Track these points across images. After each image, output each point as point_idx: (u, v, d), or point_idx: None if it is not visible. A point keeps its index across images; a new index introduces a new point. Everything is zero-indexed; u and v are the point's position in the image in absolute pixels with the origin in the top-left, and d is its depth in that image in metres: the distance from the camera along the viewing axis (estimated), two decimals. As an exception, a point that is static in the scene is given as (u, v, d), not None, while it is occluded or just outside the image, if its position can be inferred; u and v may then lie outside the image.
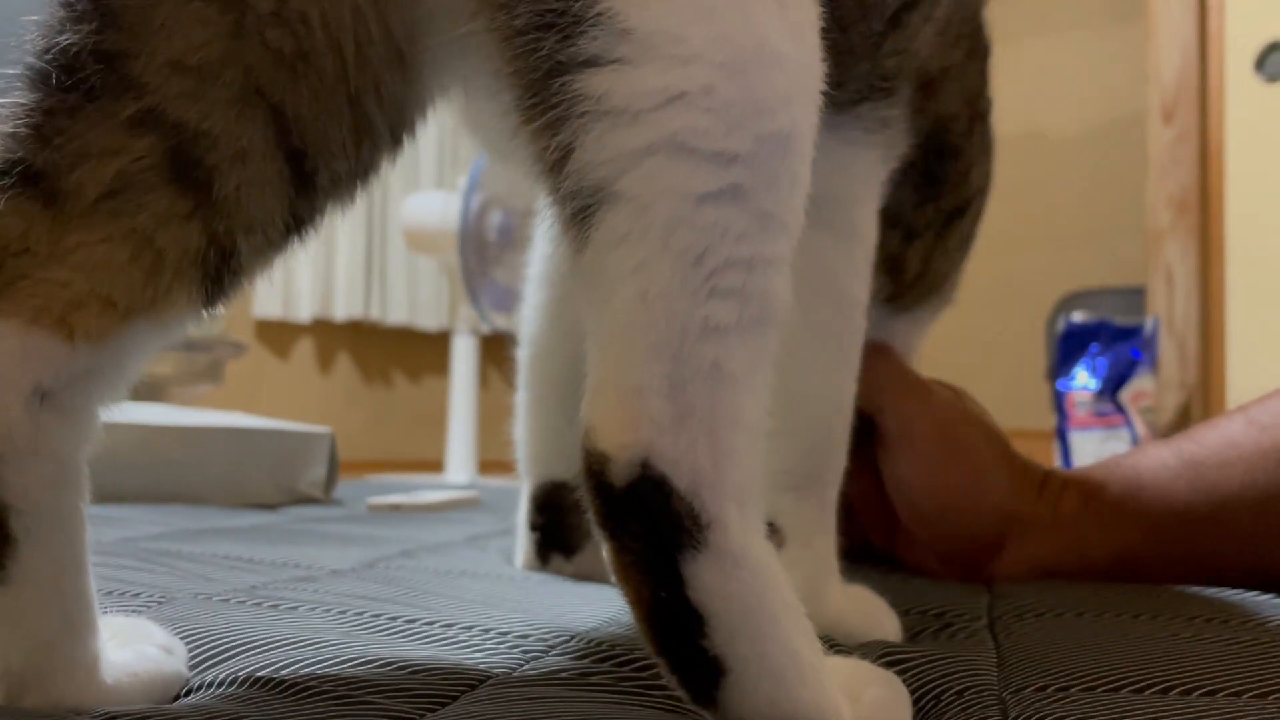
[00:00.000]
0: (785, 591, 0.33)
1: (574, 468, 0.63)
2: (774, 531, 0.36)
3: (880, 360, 0.68)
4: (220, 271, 0.35)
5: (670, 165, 0.32)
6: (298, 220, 0.37)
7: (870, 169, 0.53)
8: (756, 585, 0.32)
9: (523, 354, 0.66)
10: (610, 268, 0.32)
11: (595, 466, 0.32)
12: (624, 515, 0.32)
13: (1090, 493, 0.67)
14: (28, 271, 0.32)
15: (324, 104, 0.35)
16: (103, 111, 0.33)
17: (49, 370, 0.32)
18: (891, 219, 0.59)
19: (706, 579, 0.31)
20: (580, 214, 0.33)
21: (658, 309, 0.32)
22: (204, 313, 0.36)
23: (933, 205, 0.62)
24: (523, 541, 0.66)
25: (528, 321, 0.65)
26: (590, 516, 0.33)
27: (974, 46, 0.62)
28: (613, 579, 0.33)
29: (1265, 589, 0.59)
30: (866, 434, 0.69)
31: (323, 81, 0.35)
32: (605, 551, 0.33)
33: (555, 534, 0.64)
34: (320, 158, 0.36)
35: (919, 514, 0.68)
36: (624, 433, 0.31)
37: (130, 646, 0.37)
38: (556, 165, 0.33)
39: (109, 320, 0.33)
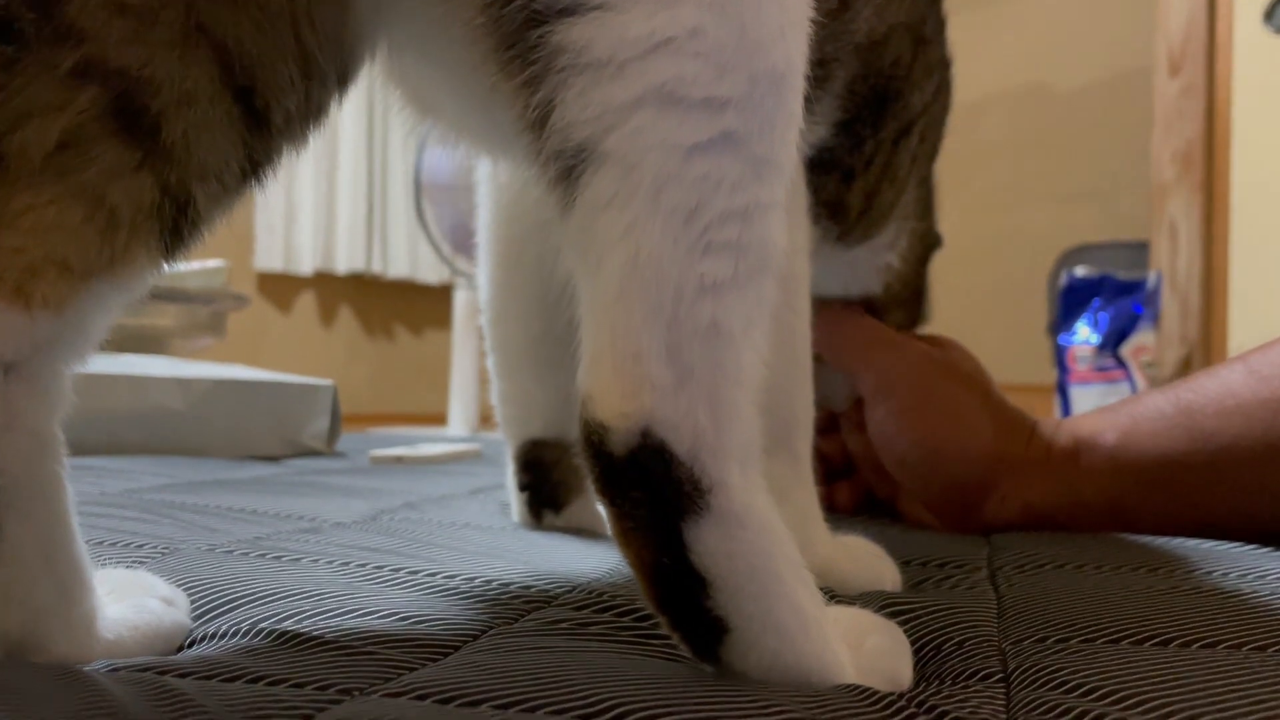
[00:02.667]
0: (788, 546, 0.33)
1: (550, 426, 0.64)
2: None
3: (851, 322, 0.68)
4: (178, 223, 0.33)
5: (658, 118, 0.31)
6: (254, 163, 0.35)
7: None
8: (760, 545, 0.32)
9: (484, 319, 0.66)
10: (599, 232, 0.31)
11: (594, 436, 0.31)
12: (624, 483, 0.31)
13: (1085, 438, 0.67)
14: None
15: (268, 36, 0.34)
16: (42, 64, 0.31)
17: (10, 342, 0.31)
18: (826, 165, 0.58)
19: (709, 543, 0.31)
20: (565, 175, 0.31)
21: (651, 272, 0.31)
22: (165, 267, 0.34)
23: (872, 141, 0.61)
24: (515, 500, 0.67)
25: (483, 287, 0.65)
26: (590, 482, 0.32)
27: None
28: (609, 534, 0.33)
29: (1264, 541, 0.60)
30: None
31: (264, 11, 0.33)
32: (606, 516, 0.33)
33: (542, 491, 0.65)
34: (271, 93, 0.34)
35: (905, 464, 0.68)
36: (623, 402, 0.31)
37: (130, 600, 0.37)
38: (537, 124, 0.31)
39: (66, 285, 0.32)
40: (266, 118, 0.34)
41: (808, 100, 0.34)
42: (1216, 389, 0.63)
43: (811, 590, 0.33)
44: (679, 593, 0.32)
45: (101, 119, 0.32)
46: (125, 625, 0.36)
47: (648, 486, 0.31)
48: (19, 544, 0.32)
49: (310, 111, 0.36)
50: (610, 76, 0.30)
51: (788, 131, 0.33)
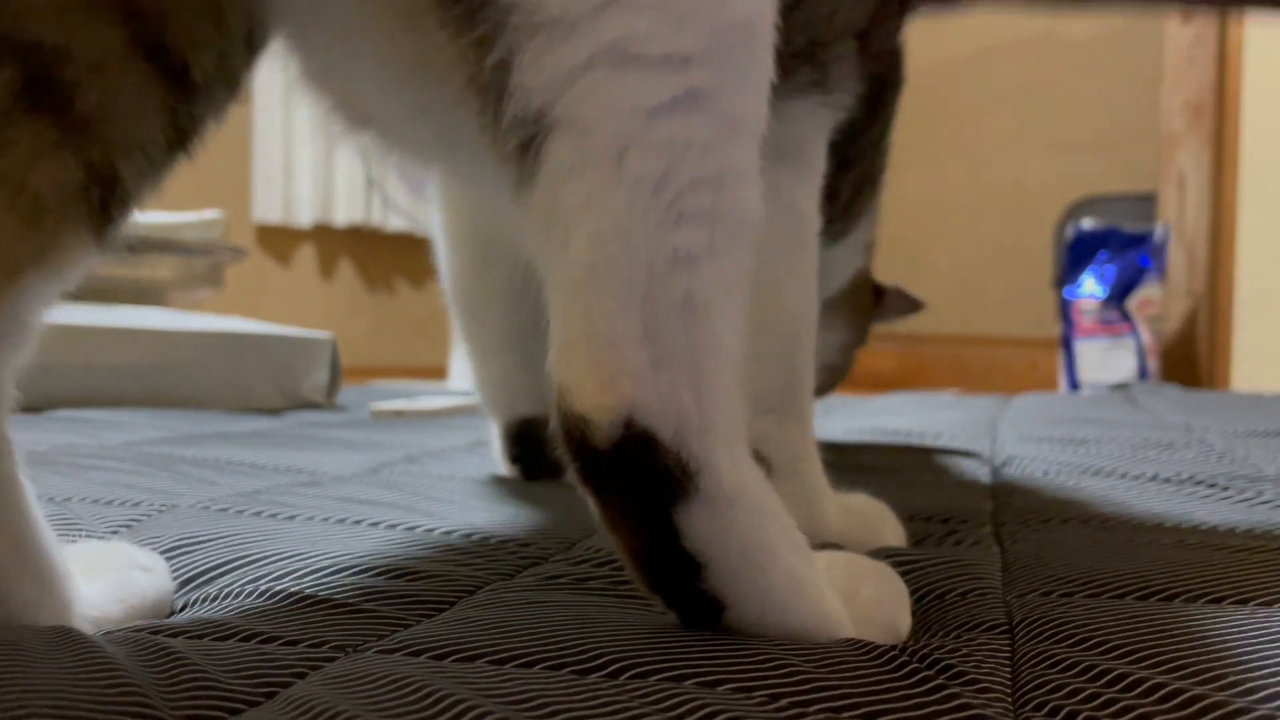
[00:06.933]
0: (779, 515, 0.32)
1: (539, 404, 0.63)
2: (760, 461, 0.35)
3: None
4: (106, 203, 0.31)
5: (610, 78, 0.29)
6: (180, 131, 0.33)
7: (818, 118, 0.51)
8: (752, 521, 0.31)
9: (454, 310, 0.65)
10: (562, 204, 0.29)
11: (574, 430, 0.30)
12: (609, 475, 0.30)
13: None
14: None
15: None
16: None
17: None
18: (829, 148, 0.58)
19: (701, 527, 0.30)
20: (525, 147, 0.30)
21: (619, 246, 0.29)
22: (99, 251, 0.32)
23: (866, 135, 0.61)
24: (504, 469, 0.67)
25: (450, 279, 0.64)
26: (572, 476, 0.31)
27: None
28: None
29: None
30: None
31: None
32: (591, 506, 0.31)
33: (537, 464, 0.65)
34: (186, 49, 0.32)
35: None
36: (602, 392, 0.29)
37: (111, 574, 0.37)
38: (493, 91, 0.30)
39: None
40: (185, 76, 0.32)
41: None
42: None
43: (804, 553, 0.33)
44: (672, 577, 0.31)
45: (16, 98, 0.30)
46: (112, 600, 0.35)
47: (635, 476, 0.30)
48: None
49: (225, 74, 0.34)
50: (563, 36, 0.29)
51: (760, 87, 0.31)
